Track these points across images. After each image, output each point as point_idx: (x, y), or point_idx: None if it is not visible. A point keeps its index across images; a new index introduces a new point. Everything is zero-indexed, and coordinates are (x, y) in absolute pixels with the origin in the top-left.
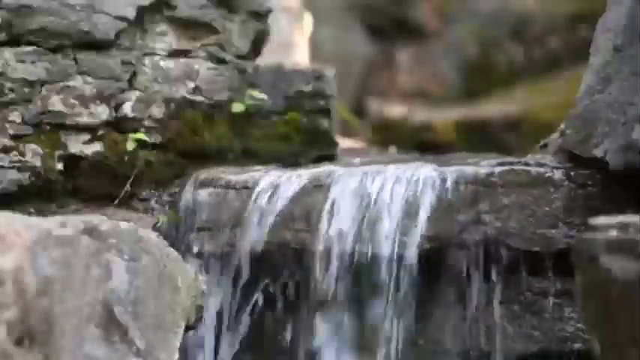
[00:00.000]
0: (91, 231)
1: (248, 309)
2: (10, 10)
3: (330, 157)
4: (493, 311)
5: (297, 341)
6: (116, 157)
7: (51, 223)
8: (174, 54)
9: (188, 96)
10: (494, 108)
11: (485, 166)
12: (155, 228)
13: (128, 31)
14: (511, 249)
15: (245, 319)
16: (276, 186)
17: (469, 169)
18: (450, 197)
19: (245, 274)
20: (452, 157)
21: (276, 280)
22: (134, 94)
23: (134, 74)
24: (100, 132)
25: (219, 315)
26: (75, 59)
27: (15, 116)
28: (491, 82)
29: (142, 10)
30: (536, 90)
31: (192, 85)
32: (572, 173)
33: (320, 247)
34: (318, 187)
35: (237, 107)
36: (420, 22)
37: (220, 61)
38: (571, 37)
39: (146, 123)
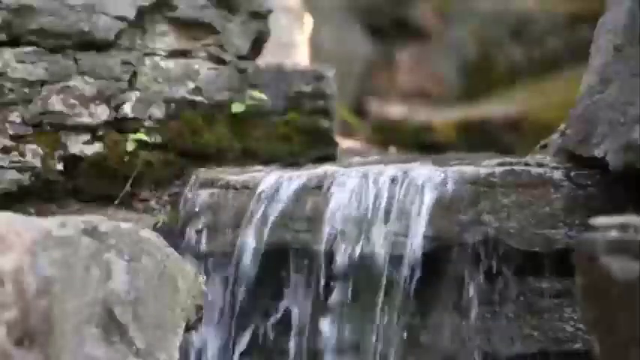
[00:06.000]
0: (91, 231)
1: (247, 309)
2: (10, 10)
3: (330, 158)
4: (493, 311)
5: (298, 341)
6: (116, 157)
7: (51, 223)
8: (174, 54)
9: (188, 96)
10: (494, 108)
11: (485, 166)
12: (155, 228)
13: (128, 31)
14: (511, 249)
15: (245, 319)
16: (276, 186)
17: (469, 169)
18: (450, 197)
19: (246, 274)
20: (452, 157)
21: (277, 281)
22: (134, 95)
23: (134, 74)
24: (100, 132)
25: (220, 315)
26: (75, 59)
27: (15, 116)
28: (491, 82)
29: (142, 10)
30: (536, 90)
31: (192, 85)
32: (572, 173)
33: (321, 247)
34: (319, 187)
35: (237, 107)
36: (420, 22)
37: (220, 61)
38: (571, 37)
39: (146, 123)
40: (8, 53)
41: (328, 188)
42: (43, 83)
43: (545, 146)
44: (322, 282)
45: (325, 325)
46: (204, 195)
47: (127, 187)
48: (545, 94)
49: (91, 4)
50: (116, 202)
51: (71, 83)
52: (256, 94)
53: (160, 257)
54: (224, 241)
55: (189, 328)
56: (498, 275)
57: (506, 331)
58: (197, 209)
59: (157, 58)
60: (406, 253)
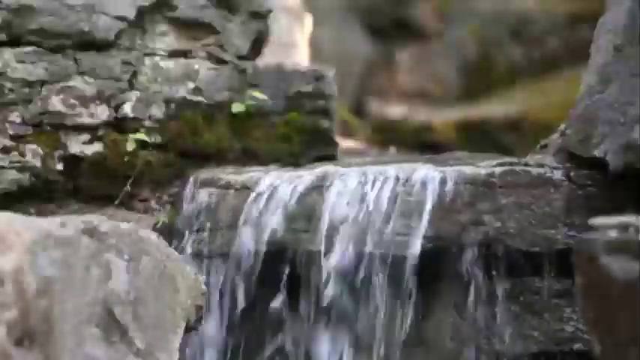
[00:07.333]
0: (91, 231)
1: (248, 309)
2: (10, 10)
3: (330, 158)
4: (493, 311)
5: (298, 341)
6: (116, 157)
7: (51, 223)
8: (174, 54)
9: (188, 96)
10: (494, 108)
11: (485, 166)
12: (155, 228)
13: (128, 31)
14: (511, 249)
15: (245, 319)
16: (276, 186)
17: (469, 170)
18: (450, 197)
19: (245, 274)
20: (452, 157)
21: (277, 281)
22: (134, 95)
23: (134, 74)
24: (100, 132)
25: (220, 316)
26: (75, 59)
27: (15, 116)
28: (491, 82)
29: (142, 10)
30: (536, 90)
31: (192, 85)
32: (572, 173)
33: (320, 247)
34: (318, 187)
35: (237, 107)
36: (420, 22)
37: (220, 61)
38: (571, 37)
39: (146, 123)
40: (8, 53)
41: (328, 188)
42: (43, 83)
43: (545, 146)
44: (322, 282)
45: (324, 327)
46: (203, 195)
47: (127, 187)
48: (545, 94)
49: (91, 4)
50: (116, 202)
51: (71, 83)
52: (256, 94)
53: (160, 257)
54: (223, 241)
55: (189, 328)
56: (498, 275)
57: (506, 331)
58: (197, 209)
59: (157, 58)
60: (406, 253)
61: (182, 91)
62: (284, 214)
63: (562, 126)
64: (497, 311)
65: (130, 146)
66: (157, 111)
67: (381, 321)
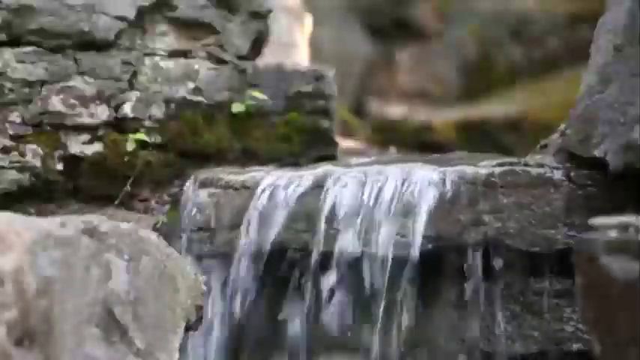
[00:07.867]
0: (91, 231)
1: (248, 310)
2: (10, 10)
3: (330, 158)
4: (493, 311)
5: (297, 341)
6: (116, 157)
7: (51, 223)
8: (174, 54)
9: (188, 96)
10: (494, 108)
11: (485, 166)
12: (155, 228)
13: (128, 31)
14: (511, 249)
15: (245, 319)
16: (276, 186)
17: (469, 170)
18: (450, 198)
19: (245, 274)
20: (452, 157)
21: (277, 281)
22: (134, 95)
23: (134, 74)
24: (100, 132)
25: (219, 316)
26: (75, 59)
27: (15, 116)
28: (491, 82)
29: (142, 10)
30: (536, 90)
31: (192, 85)
32: (572, 173)
33: (320, 247)
34: (318, 187)
35: (237, 107)
36: (420, 22)
37: (220, 61)
38: (571, 37)
39: (146, 123)
40: (8, 53)
41: (328, 189)
42: (43, 83)
43: (545, 146)
44: (322, 282)
45: (325, 325)
46: (203, 195)
47: (127, 187)
48: (545, 94)
49: (91, 4)
50: (116, 202)
51: (71, 83)
52: (256, 94)
53: (160, 257)
54: (224, 241)
55: (189, 328)
56: (498, 275)
57: (506, 330)
58: (197, 209)
59: (157, 58)
60: (406, 253)
61: (182, 91)
62: (285, 215)
63: (562, 126)
64: (497, 311)
65: (130, 146)
66: (157, 111)
67: (381, 321)
